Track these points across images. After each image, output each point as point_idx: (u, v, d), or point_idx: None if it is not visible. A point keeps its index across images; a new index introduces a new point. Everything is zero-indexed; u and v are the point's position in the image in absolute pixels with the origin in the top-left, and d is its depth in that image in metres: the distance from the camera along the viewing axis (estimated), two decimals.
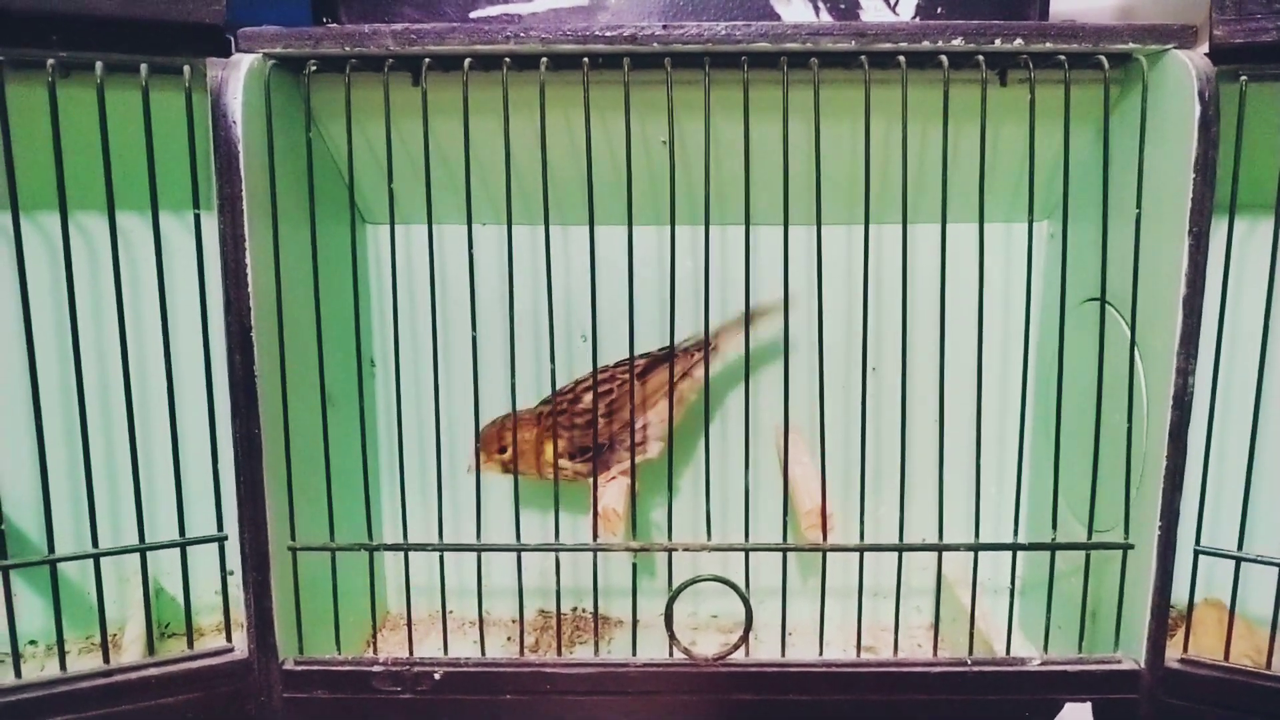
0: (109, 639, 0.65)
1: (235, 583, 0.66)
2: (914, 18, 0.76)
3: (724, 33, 0.61)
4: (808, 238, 0.66)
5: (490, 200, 0.70)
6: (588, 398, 0.75)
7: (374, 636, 0.84)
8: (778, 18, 0.75)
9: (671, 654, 0.67)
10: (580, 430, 0.74)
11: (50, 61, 0.58)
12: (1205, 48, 0.62)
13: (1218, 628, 0.68)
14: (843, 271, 0.80)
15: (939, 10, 0.76)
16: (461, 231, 0.65)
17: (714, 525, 0.69)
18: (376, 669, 0.66)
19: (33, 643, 0.79)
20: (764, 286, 0.73)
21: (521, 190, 0.66)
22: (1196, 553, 0.66)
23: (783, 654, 0.69)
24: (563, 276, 0.81)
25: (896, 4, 0.76)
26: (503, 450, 0.74)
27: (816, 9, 0.75)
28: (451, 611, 0.80)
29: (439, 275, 0.66)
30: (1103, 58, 0.62)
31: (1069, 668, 0.66)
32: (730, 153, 0.65)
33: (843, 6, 0.75)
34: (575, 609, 0.89)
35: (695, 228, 0.67)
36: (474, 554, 0.68)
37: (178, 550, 0.66)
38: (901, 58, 0.62)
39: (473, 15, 0.75)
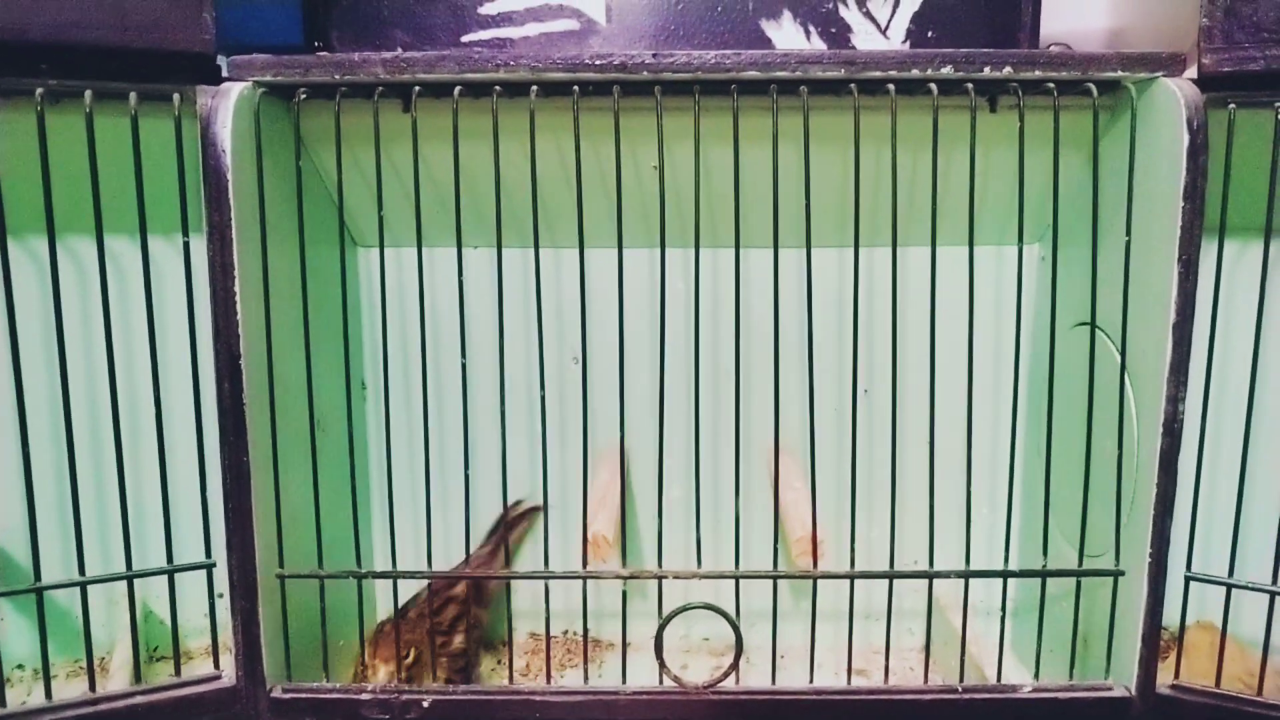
0: (96, 663, 0.65)
1: (223, 606, 0.65)
2: (905, 41, 0.76)
3: (713, 61, 0.61)
4: (798, 261, 0.66)
5: (481, 224, 0.70)
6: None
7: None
8: (769, 42, 0.75)
9: (662, 681, 0.66)
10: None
11: (39, 90, 0.58)
12: (1194, 74, 0.62)
13: (1209, 651, 0.68)
14: (834, 295, 0.80)
15: (929, 34, 0.76)
16: (452, 255, 0.65)
17: (705, 550, 0.69)
18: (365, 696, 0.65)
19: (19, 667, 0.78)
20: (755, 308, 0.73)
21: (512, 214, 0.65)
22: (1187, 579, 0.66)
23: (773, 680, 0.69)
24: (554, 299, 0.81)
25: (887, 28, 0.76)
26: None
27: (807, 34, 0.75)
28: None
29: (430, 299, 0.66)
30: (1091, 85, 0.62)
31: (1060, 695, 0.65)
32: (721, 177, 0.65)
33: (833, 31, 0.75)
34: (566, 632, 0.89)
35: (686, 251, 0.67)
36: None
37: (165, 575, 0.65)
38: (891, 85, 0.62)
39: (464, 39, 0.75)
